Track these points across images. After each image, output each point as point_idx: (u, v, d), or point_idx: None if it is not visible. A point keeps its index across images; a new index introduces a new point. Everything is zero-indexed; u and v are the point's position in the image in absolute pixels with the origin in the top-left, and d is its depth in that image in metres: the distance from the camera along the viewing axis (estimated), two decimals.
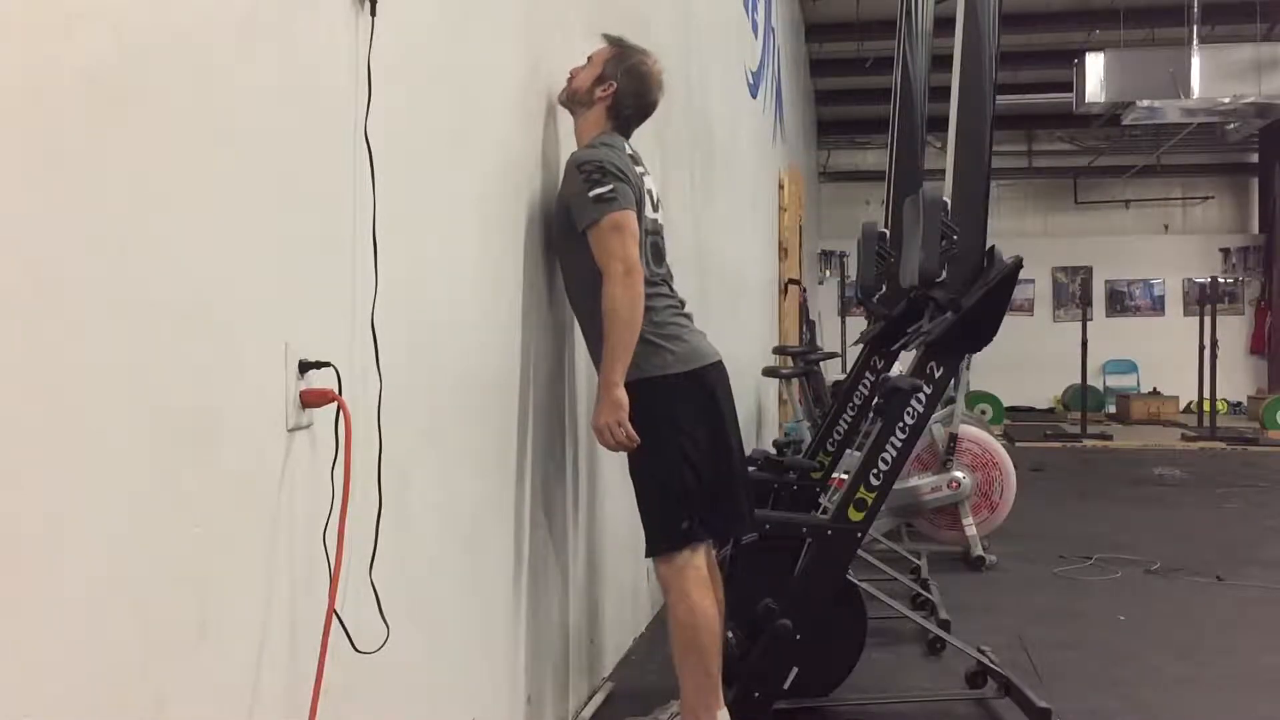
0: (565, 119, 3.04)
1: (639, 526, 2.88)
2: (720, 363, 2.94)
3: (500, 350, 2.56)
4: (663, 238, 2.98)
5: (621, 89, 2.89)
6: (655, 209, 2.93)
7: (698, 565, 2.83)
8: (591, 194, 2.69)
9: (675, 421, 2.78)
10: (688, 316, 2.94)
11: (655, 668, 3.65)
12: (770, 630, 3.15)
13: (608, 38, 2.99)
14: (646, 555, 2.89)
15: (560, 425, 3.05)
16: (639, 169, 2.89)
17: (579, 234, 2.73)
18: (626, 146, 2.90)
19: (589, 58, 2.95)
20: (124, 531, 1.26)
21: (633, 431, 2.70)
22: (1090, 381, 12.66)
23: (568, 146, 3.08)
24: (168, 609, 1.33)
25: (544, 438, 2.87)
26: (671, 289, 2.95)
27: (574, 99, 2.93)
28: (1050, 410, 14.78)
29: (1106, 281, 16.12)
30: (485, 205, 2.46)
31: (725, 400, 2.93)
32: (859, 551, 3.47)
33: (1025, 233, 15.96)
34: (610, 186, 2.70)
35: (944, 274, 3.32)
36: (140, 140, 1.28)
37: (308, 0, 1.65)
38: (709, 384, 2.87)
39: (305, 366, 1.62)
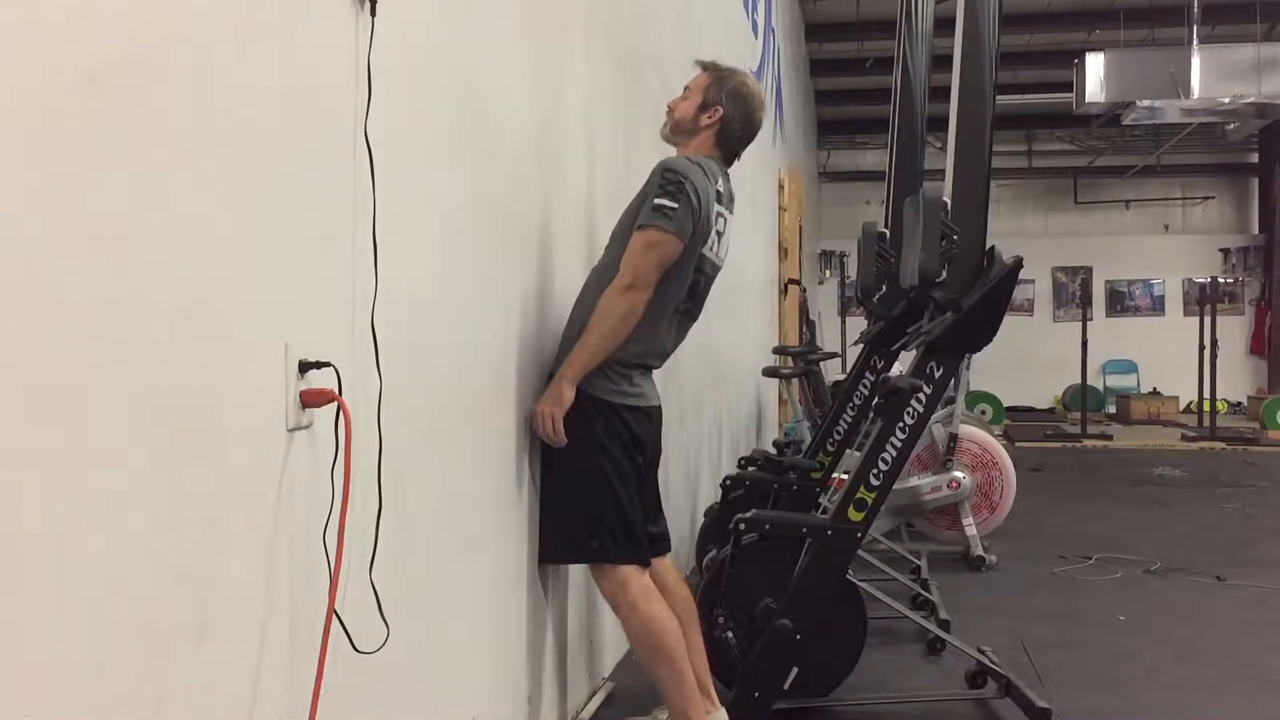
0: (566, 119, 3.04)
1: None
2: (659, 408, 2.97)
3: (500, 350, 2.56)
4: (709, 279, 2.96)
5: (728, 113, 2.90)
6: (713, 249, 2.90)
7: (640, 577, 2.82)
8: (657, 201, 2.70)
9: (605, 441, 2.78)
10: (648, 370, 2.92)
11: None
12: (770, 630, 3.15)
13: (702, 64, 3.00)
14: (540, 561, 2.85)
15: None
16: (718, 208, 2.86)
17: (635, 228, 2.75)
18: (719, 180, 2.88)
19: (686, 87, 2.96)
20: (124, 531, 1.26)
21: (563, 432, 2.70)
22: (1090, 381, 12.68)
23: (568, 145, 3.08)
24: (168, 609, 1.33)
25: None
26: (664, 330, 2.88)
27: (679, 130, 2.93)
28: (1050, 410, 14.79)
29: (1106, 281, 16.13)
30: (485, 205, 2.46)
31: (652, 444, 2.95)
32: (859, 551, 3.47)
33: (1025, 233, 15.98)
34: (676, 205, 2.69)
35: (944, 274, 3.32)
36: (140, 140, 1.28)
37: (308, 0, 1.65)
38: (642, 423, 2.87)
39: (305, 366, 1.61)
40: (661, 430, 3.03)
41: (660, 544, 3.00)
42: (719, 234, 2.90)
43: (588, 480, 2.76)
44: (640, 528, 2.85)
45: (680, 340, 3.01)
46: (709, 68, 2.98)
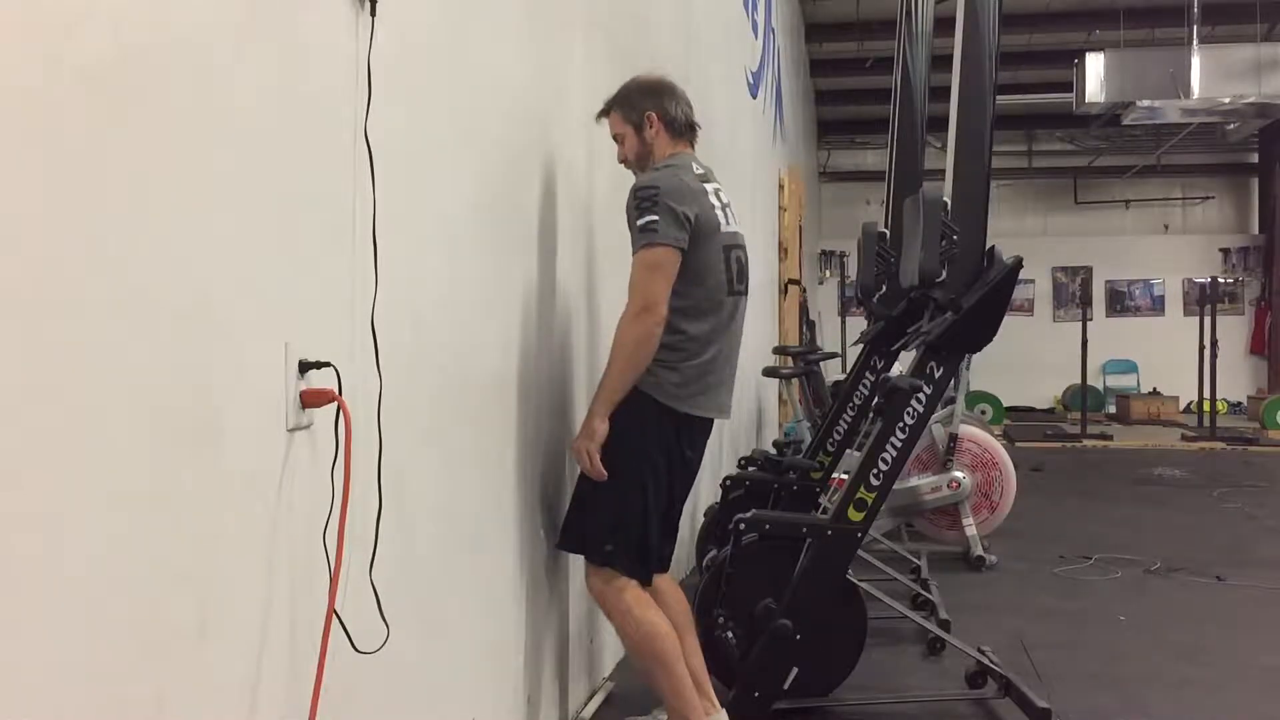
0: (566, 120, 3.04)
1: None
2: (714, 421, 2.96)
3: (500, 350, 2.56)
4: (744, 251, 2.96)
5: (657, 107, 2.90)
6: (730, 222, 2.91)
7: (636, 585, 2.83)
8: (638, 222, 2.71)
9: (653, 452, 2.79)
10: (732, 354, 2.92)
11: None
12: (770, 630, 3.15)
13: (601, 112, 2.99)
14: (557, 546, 2.88)
15: (561, 425, 3.05)
16: (709, 185, 2.87)
17: None
18: (695, 164, 2.89)
19: (614, 136, 2.96)
20: (124, 531, 1.26)
21: (600, 466, 2.71)
22: (1090, 381, 12.66)
23: (568, 146, 3.08)
24: (168, 609, 1.33)
25: (544, 438, 2.87)
26: (739, 311, 2.92)
27: (643, 162, 2.92)
28: (1050, 410, 14.78)
29: (1106, 281, 16.12)
30: (486, 204, 2.46)
31: (696, 457, 2.95)
32: (859, 551, 3.47)
33: (1025, 233, 15.96)
34: (654, 218, 2.69)
35: (944, 274, 3.32)
36: (140, 140, 1.28)
37: (308, 0, 1.65)
38: (694, 437, 2.88)
39: (305, 366, 1.62)
40: (705, 446, 3.01)
41: (664, 563, 3.00)
42: (724, 207, 2.89)
43: (622, 486, 2.76)
44: (656, 549, 2.86)
45: (740, 322, 2.97)
46: (607, 106, 2.97)
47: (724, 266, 2.84)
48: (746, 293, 2.98)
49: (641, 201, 2.71)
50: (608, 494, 2.77)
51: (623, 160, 2.98)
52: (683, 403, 2.79)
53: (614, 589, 2.81)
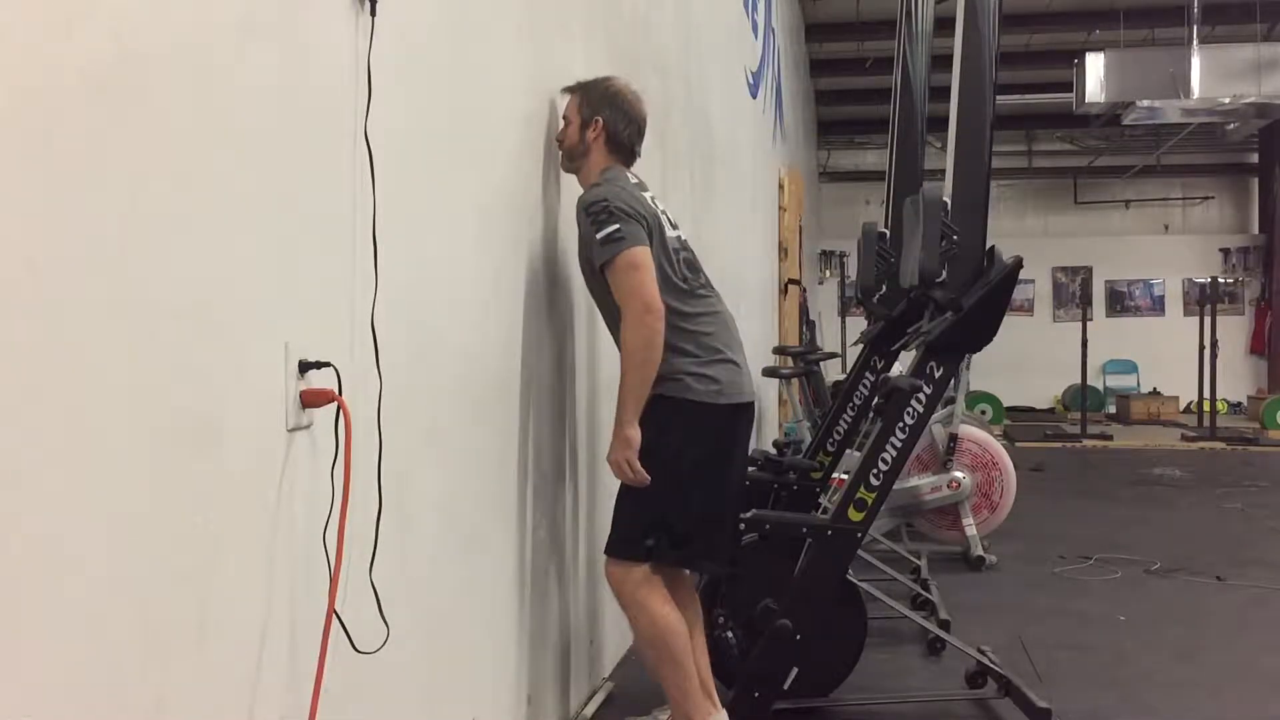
0: None
1: None
2: (751, 404, 2.94)
3: (500, 350, 2.56)
4: (692, 253, 2.98)
5: (608, 119, 2.89)
6: (674, 227, 2.93)
7: (653, 576, 2.83)
8: (599, 235, 2.71)
9: (683, 445, 2.79)
10: (730, 333, 2.92)
11: None
12: (770, 630, 3.15)
13: (567, 89, 2.97)
14: (605, 551, 2.89)
15: (560, 425, 3.05)
16: (646, 194, 2.89)
17: (602, 273, 2.75)
18: (630, 176, 2.91)
19: (564, 117, 2.95)
20: (124, 532, 1.26)
21: (642, 471, 2.71)
22: (1090, 381, 12.66)
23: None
24: (168, 609, 1.33)
25: (544, 438, 2.87)
26: (714, 302, 2.93)
27: (573, 155, 2.92)
28: (1050, 410, 14.77)
29: (1106, 281, 16.10)
30: (485, 205, 2.46)
31: (740, 442, 2.95)
32: (859, 551, 3.47)
33: (1025, 233, 15.95)
34: (616, 226, 2.70)
35: (944, 274, 3.32)
36: (140, 141, 1.28)
37: (308, 0, 1.65)
38: (730, 423, 2.88)
39: (305, 366, 1.62)
40: (750, 430, 3.00)
41: (718, 562, 2.99)
42: (663, 212, 2.91)
43: (661, 481, 2.75)
44: (704, 545, 2.86)
45: (711, 308, 2.92)
46: (574, 88, 2.96)
47: (674, 267, 2.84)
48: (709, 288, 2.96)
49: (596, 216, 2.72)
50: (643, 496, 2.77)
51: (559, 139, 2.95)
52: (708, 395, 2.79)
53: (633, 580, 2.81)
